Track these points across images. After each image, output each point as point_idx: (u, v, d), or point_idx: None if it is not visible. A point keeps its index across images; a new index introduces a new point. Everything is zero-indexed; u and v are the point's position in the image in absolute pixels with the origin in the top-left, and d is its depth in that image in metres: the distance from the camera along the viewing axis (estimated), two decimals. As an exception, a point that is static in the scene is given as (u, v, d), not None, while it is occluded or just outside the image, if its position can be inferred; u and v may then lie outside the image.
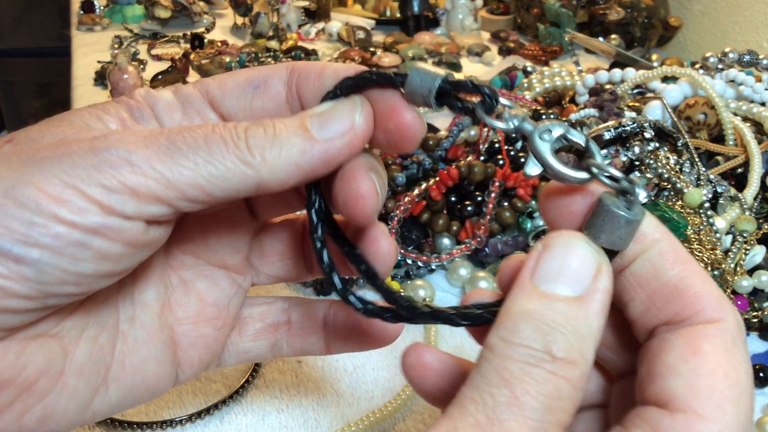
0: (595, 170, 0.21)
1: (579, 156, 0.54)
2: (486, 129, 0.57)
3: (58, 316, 0.24)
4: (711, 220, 0.49)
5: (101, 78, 0.90)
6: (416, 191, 0.52)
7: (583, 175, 0.22)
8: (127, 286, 0.26)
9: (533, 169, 0.22)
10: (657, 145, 0.53)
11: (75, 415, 0.24)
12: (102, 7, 1.16)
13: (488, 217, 0.53)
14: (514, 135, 0.23)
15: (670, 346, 0.20)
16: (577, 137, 0.22)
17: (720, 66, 0.67)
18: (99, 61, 0.96)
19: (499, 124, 0.22)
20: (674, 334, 0.20)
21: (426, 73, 0.23)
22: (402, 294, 0.24)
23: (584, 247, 0.21)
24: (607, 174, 0.21)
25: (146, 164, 0.21)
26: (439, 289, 0.53)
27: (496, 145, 0.57)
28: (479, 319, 0.23)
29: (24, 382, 0.22)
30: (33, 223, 0.20)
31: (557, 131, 0.22)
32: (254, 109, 0.26)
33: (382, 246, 0.27)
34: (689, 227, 0.48)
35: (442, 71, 0.23)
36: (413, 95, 0.23)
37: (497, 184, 0.53)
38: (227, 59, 0.92)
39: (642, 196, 0.21)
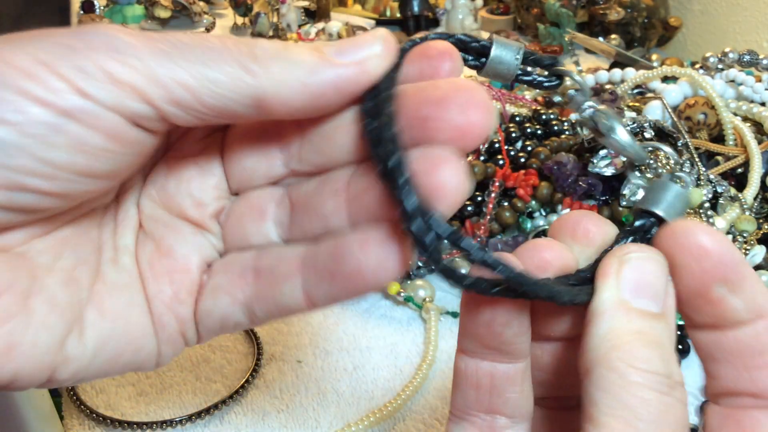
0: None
1: (579, 155, 0.54)
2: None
3: (27, 233, 0.21)
4: (711, 220, 0.49)
5: (101, 78, 0.90)
6: (416, 191, 0.52)
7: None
8: (109, 227, 0.24)
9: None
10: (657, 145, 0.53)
11: (46, 352, 0.21)
12: (102, 7, 1.16)
13: (488, 217, 0.52)
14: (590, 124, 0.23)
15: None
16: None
17: (720, 66, 0.67)
18: (99, 61, 0.96)
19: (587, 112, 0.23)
20: (766, 417, 0.20)
21: (508, 44, 0.23)
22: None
23: (658, 262, 0.21)
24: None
25: (131, 53, 0.19)
26: (440, 289, 0.53)
27: (496, 145, 0.57)
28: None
29: None
30: (1, 98, 0.18)
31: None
32: None
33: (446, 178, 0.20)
34: (689, 227, 0.48)
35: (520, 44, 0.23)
36: (497, 65, 0.22)
37: (497, 184, 0.53)
38: (227, 59, 0.92)
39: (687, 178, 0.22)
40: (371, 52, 0.21)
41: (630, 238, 0.22)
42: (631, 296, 0.20)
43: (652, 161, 0.51)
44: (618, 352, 0.19)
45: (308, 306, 0.24)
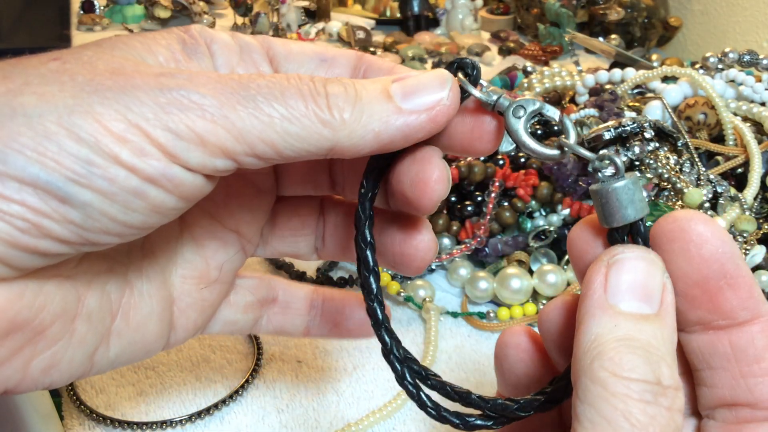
0: (566, 149, 0.22)
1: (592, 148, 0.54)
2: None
3: (78, 258, 0.22)
4: (711, 220, 0.49)
5: (101, 78, 0.90)
6: (416, 191, 0.52)
7: (555, 152, 0.22)
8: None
9: (506, 145, 0.23)
10: (657, 145, 0.53)
11: (78, 366, 0.23)
12: (102, 7, 1.16)
13: (488, 217, 0.52)
14: (491, 108, 0.23)
15: None
16: (552, 113, 0.22)
17: (720, 66, 0.67)
18: (99, 61, 0.96)
19: (478, 93, 0.22)
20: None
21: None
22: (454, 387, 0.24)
23: (650, 260, 0.20)
24: (578, 153, 0.21)
25: (218, 111, 0.19)
26: (439, 289, 0.53)
27: (496, 145, 0.57)
28: (545, 406, 0.23)
29: (39, 325, 0.20)
30: (90, 161, 0.18)
31: (531, 107, 0.22)
32: None
33: (424, 241, 0.26)
34: (689, 227, 0.48)
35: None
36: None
37: (497, 184, 0.53)
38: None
39: (620, 162, 0.21)
40: (439, 100, 0.21)
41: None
42: (620, 300, 0.19)
43: (651, 161, 0.51)
44: (601, 361, 0.18)
45: (305, 335, 0.32)
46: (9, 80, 0.18)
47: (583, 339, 0.19)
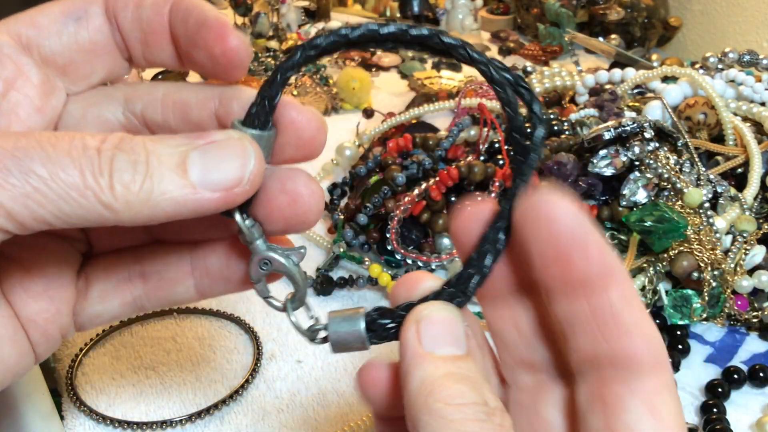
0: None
1: (579, 156, 0.54)
2: (486, 129, 0.57)
3: None
4: (711, 220, 0.49)
5: (101, 78, 0.90)
6: (416, 191, 0.52)
7: (279, 305, 0.26)
8: None
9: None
10: (657, 145, 0.53)
11: None
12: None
13: (488, 217, 0.52)
14: (247, 244, 0.25)
15: (627, 406, 0.20)
16: (296, 278, 0.26)
17: (720, 66, 0.67)
18: (99, 61, 0.96)
19: (242, 225, 0.24)
20: (627, 390, 0.20)
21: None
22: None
23: (450, 311, 0.22)
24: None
25: None
26: (439, 289, 0.53)
27: (496, 145, 0.57)
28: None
29: None
30: None
31: (278, 263, 0.25)
32: (81, 43, 0.24)
33: (305, 194, 0.25)
34: (689, 227, 0.48)
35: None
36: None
37: (497, 184, 0.53)
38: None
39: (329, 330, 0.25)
40: (238, 179, 0.21)
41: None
42: (434, 347, 0.21)
43: (651, 161, 0.51)
44: (434, 396, 0.20)
45: (200, 298, 0.28)
46: None
47: (412, 384, 0.21)
